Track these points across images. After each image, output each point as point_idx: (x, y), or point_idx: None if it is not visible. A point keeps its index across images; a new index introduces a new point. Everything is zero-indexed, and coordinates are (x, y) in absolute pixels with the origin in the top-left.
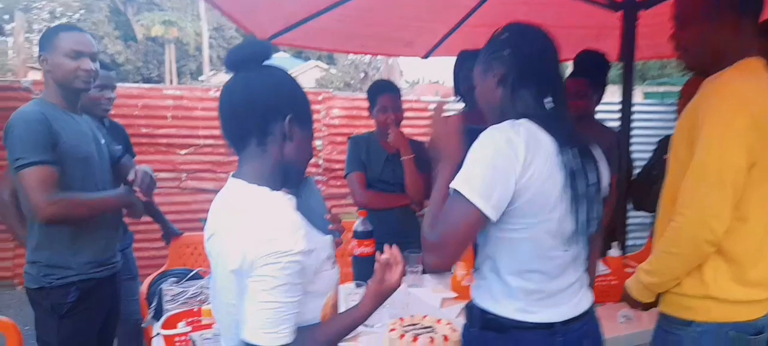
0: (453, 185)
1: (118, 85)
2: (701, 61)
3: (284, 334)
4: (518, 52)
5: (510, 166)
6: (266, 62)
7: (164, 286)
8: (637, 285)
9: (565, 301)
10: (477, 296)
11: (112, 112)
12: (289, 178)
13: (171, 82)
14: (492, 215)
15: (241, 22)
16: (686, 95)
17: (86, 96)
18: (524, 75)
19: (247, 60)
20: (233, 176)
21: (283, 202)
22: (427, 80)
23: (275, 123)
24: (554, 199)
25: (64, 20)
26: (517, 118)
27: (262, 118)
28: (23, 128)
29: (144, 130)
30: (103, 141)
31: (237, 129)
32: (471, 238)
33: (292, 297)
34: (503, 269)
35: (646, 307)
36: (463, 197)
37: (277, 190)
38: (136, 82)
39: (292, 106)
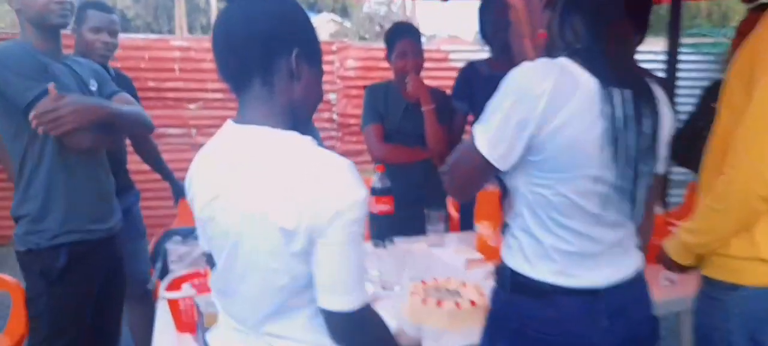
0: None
1: (124, 35)
2: None
3: (364, 290)
4: None
5: (525, 116)
6: None
7: (169, 245)
8: (676, 246)
9: (608, 263)
10: (507, 257)
11: (118, 64)
12: (298, 123)
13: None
14: (499, 165)
15: None
16: (742, 33)
17: (82, 41)
18: None
19: None
20: (237, 122)
21: (318, 146)
22: (446, 33)
23: (281, 58)
24: (592, 151)
25: None
26: (565, 49)
27: (266, 53)
28: (12, 63)
29: (151, 84)
30: (94, 87)
31: (237, 66)
32: (479, 180)
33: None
34: (535, 227)
35: (684, 270)
36: (474, 139)
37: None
38: None
39: (299, 39)
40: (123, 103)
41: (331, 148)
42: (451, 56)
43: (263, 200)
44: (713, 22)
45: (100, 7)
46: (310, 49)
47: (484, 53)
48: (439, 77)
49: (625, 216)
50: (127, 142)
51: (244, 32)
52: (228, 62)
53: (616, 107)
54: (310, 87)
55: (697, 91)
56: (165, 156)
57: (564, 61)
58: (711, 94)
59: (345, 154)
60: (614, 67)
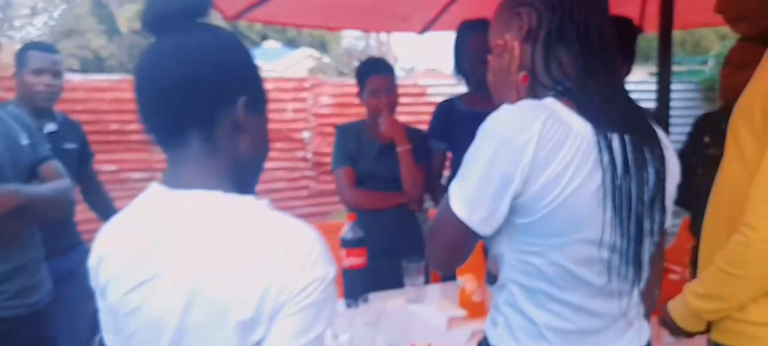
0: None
1: (84, 76)
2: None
3: None
4: None
5: (509, 168)
6: (203, 19)
7: None
8: (683, 311)
9: (612, 339)
10: (492, 335)
11: (79, 106)
12: (245, 183)
13: None
14: (480, 229)
15: None
16: (734, 63)
17: (24, 84)
18: (563, 25)
19: (179, 14)
20: (170, 186)
21: (279, 212)
22: (424, 66)
23: (225, 109)
24: (588, 209)
25: (45, 16)
26: (551, 88)
27: (209, 103)
28: None
29: (114, 127)
30: (25, 142)
31: (170, 117)
32: (462, 249)
33: None
34: (524, 302)
35: (691, 335)
36: (450, 200)
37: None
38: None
39: (247, 86)
40: (51, 174)
41: (305, 188)
42: (430, 91)
43: (218, 284)
44: (687, 50)
45: (41, 48)
46: (258, 95)
47: (463, 88)
48: (417, 113)
49: (630, 283)
50: (77, 190)
51: (182, 78)
52: (158, 112)
53: (615, 155)
54: (257, 139)
55: (680, 121)
56: (129, 202)
57: (551, 103)
58: (701, 127)
59: (320, 194)
60: (610, 108)
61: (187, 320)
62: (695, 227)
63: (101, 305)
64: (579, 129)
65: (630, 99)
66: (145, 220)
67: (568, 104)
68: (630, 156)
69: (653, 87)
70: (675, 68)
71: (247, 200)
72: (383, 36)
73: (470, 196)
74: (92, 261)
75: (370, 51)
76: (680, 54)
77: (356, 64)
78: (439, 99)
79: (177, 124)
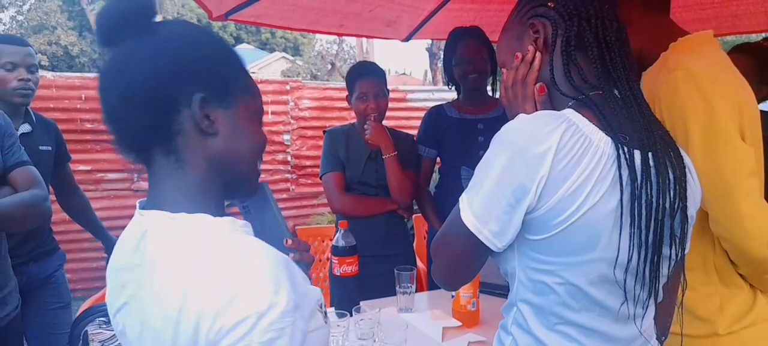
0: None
1: (58, 74)
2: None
3: None
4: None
5: (523, 180)
6: (155, 20)
7: (90, 328)
8: None
9: None
10: None
11: (52, 105)
12: (234, 187)
13: None
14: (491, 244)
15: None
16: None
17: None
18: (582, 32)
19: (127, 24)
20: (143, 206)
21: (238, 233)
22: (395, 72)
23: (178, 115)
24: (605, 227)
25: (12, 11)
26: (573, 97)
27: (152, 114)
28: None
29: (88, 126)
30: None
31: (126, 138)
32: (471, 264)
33: None
34: (534, 323)
35: None
36: (460, 211)
37: (220, 214)
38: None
39: (200, 79)
40: (24, 182)
41: (285, 190)
42: (409, 96)
43: (156, 314)
44: None
45: (12, 41)
46: (224, 85)
47: (441, 93)
48: (398, 118)
49: (644, 306)
50: (52, 197)
51: (118, 95)
52: (116, 133)
53: (637, 173)
54: (237, 136)
55: None
56: (104, 203)
57: (571, 114)
58: None
59: (300, 197)
60: (634, 121)
61: None
62: None
63: None
64: (600, 143)
65: (652, 112)
66: (122, 242)
67: (588, 116)
68: (652, 173)
69: None
70: None
71: (195, 221)
72: (364, 40)
73: (482, 207)
74: None
75: (343, 54)
76: None
77: (329, 67)
78: (418, 104)
79: (134, 143)
